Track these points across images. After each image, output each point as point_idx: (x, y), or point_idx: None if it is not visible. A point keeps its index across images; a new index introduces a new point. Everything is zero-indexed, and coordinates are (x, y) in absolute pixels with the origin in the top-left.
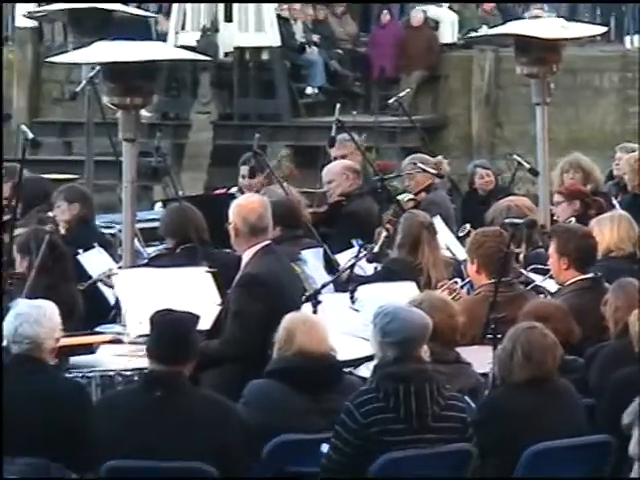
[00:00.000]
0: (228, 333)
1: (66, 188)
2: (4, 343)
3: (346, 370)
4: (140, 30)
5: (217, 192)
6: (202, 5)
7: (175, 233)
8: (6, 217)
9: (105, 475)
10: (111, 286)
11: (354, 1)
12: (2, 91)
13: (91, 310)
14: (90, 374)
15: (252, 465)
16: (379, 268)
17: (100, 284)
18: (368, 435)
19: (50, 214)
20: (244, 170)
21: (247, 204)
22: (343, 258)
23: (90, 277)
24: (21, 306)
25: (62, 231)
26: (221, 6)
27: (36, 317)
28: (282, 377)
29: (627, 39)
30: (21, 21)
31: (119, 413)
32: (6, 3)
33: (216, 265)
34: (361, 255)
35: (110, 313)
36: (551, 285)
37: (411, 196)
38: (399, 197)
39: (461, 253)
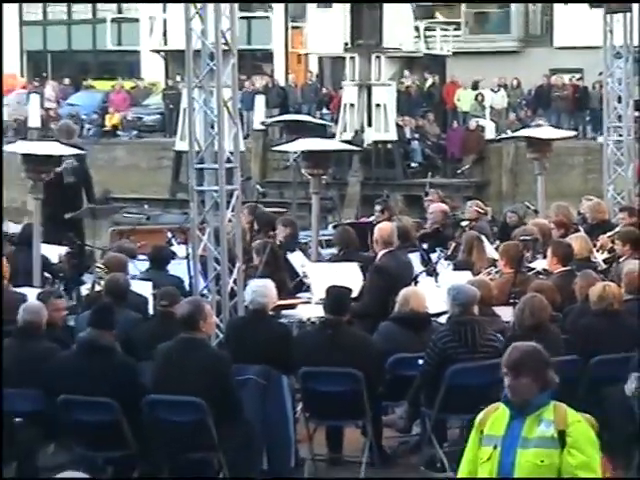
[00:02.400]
0: (366, 298)
1: (283, 218)
2: (245, 304)
3: (433, 319)
4: (321, 131)
5: (361, 220)
6: (355, 117)
7: (340, 244)
8: (249, 236)
9: (300, 376)
10: (306, 277)
11: (353, 1)
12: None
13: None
14: (292, 320)
15: (383, 373)
16: (451, 264)
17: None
18: (444, 355)
19: (272, 233)
20: (378, 208)
21: (383, 228)
22: (432, 258)
23: (293, 267)
24: (254, 284)
25: (277, 242)
26: (365, 117)
27: (263, 290)
28: (398, 322)
29: (589, 137)
30: (257, 125)
31: (307, 342)
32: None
33: (362, 261)
34: (441, 256)
35: (302, 286)
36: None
37: (467, 223)
38: (462, 224)
39: (495, 255)
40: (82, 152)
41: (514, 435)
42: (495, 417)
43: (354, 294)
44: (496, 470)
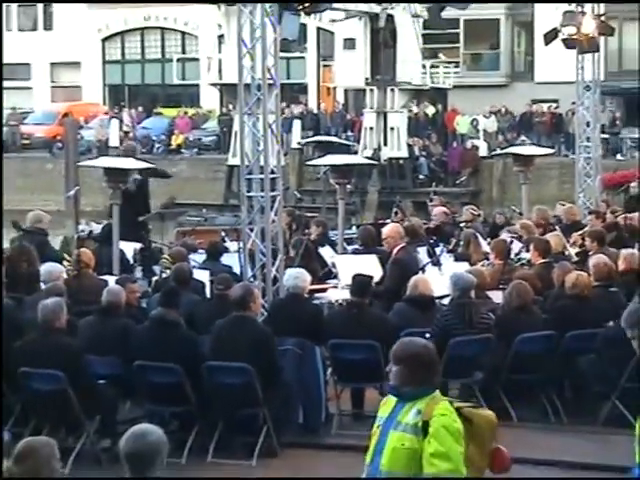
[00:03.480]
0: (385, 284)
1: (316, 220)
2: (285, 289)
3: (437, 301)
4: (346, 149)
5: (379, 222)
6: (374, 138)
7: (362, 240)
8: (288, 233)
9: (330, 347)
10: (334, 266)
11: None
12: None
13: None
14: (323, 301)
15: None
16: (452, 256)
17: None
18: (447, 330)
19: (306, 231)
20: (393, 212)
21: (391, 228)
22: (436, 251)
23: (323, 259)
24: (290, 272)
25: (311, 238)
26: (382, 138)
27: (299, 276)
28: (409, 303)
29: (563, 154)
30: (294, 145)
31: (335, 320)
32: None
33: (380, 254)
34: (444, 250)
35: (331, 274)
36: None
37: (464, 224)
38: (460, 224)
39: (488, 249)
40: (151, 166)
41: (392, 418)
42: (388, 401)
43: (375, 280)
44: (374, 445)
